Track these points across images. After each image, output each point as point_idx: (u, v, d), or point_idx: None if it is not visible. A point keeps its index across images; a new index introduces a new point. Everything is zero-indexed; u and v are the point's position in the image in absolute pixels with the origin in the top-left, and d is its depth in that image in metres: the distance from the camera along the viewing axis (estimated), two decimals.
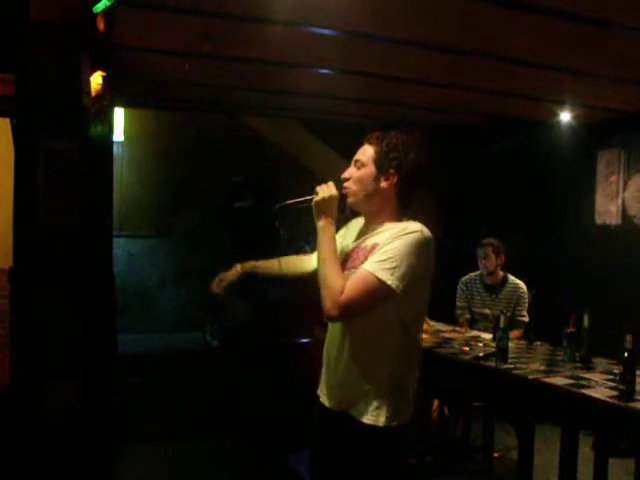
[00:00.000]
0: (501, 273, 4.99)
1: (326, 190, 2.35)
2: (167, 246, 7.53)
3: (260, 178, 6.80)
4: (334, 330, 2.44)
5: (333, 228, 2.35)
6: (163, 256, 7.52)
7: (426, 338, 4.45)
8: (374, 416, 2.30)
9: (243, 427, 5.19)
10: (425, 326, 4.74)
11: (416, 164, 2.38)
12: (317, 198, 2.34)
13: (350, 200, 2.41)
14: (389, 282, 2.19)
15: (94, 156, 3.92)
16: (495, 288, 4.98)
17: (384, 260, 2.22)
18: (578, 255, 5.99)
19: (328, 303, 2.23)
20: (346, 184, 2.41)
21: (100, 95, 4.03)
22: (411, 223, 2.33)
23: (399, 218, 2.39)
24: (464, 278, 5.16)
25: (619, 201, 5.77)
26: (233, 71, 4.73)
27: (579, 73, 4.45)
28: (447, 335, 4.63)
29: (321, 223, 2.33)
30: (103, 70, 3.96)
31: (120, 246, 6.89)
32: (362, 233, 2.47)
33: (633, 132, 5.64)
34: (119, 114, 6.72)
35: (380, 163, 2.37)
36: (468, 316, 5.06)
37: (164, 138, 7.32)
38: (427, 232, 2.30)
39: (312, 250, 2.60)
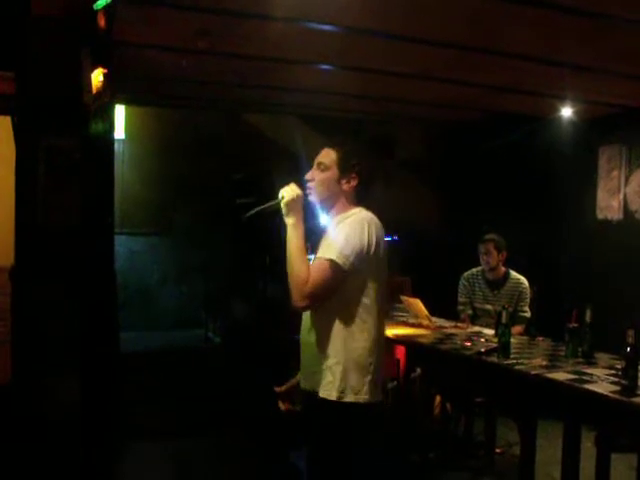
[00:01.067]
0: (503, 269, 4.99)
1: (291, 191, 2.55)
2: (168, 243, 7.53)
3: (261, 175, 6.77)
4: (304, 315, 2.66)
5: (302, 225, 2.55)
6: (164, 253, 7.52)
7: (428, 334, 4.46)
8: (327, 390, 2.52)
9: (244, 424, 5.18)
10: (427, 322, 4.75)
11: (372, 169, 2.68)
12: (286, 199, 2.54)
13: (313, 199, 2.63)
14: (338, 260, 2.44)
15: (95, 153, 3.92)
16: (497, 284, 4.98)
17: (330, 244, 2.49)
18: (580, 250, 5.99)
19: (295, 294, 2.46)
20: (310, 184, 2.62)
21: (101, 92, 4.02)
22: (353, 210, 2.60)
23: (351, 210, 2.63)
24: (466, 274, 5.16)
25: (621, 196, 5.76)
26: (232, 67, 4.73)
27: (580, 68, 4.44)
28: (449, 331, 4.62)
29: (291, 221, 2.54)
30: (104, 67, 3.96)
31: (121, 243, 6.88)
32: (327, 225, 2.70)
33: (634, 127, 5.63)
34: (120, 111, 6.71)
35: (343, 167, 2.61)
36: (470, 312, 5.06)
37: (165, 135, 7.31)
38: (365, 213, 2.58)
39: (312, 248, 2.71)
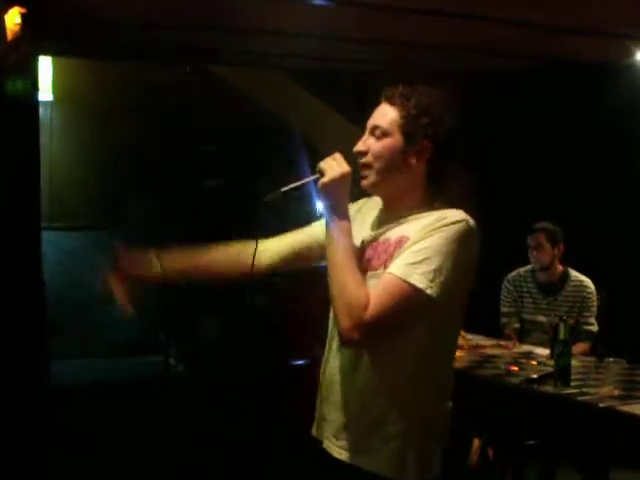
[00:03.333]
0: (560, 267, 4.99)
1: (335, 167, 2.25)
2: (113, 241, 7.51)
3: (236, 148, 6.78)
4: (340, 350, 2.36)
5: (348, 219, 2.28)
6: (108, 254, 7.50)
7: (461, 356, 4.46)
8: (400, 468, 2.23)
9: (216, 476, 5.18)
10: (460, 340, 4.74)
11: (452, 131, 2.32)
12: (324, 179, 2.24)
13: (367, 181, 2.33)
14: (429, 291, 2.12)
15: (13, 120, 3.90)
16: (552, 287, 4.99)
17: (420, 262, 2.14)
18: None
19: (347, 322, 2.16)
20: (364, 160, 2.31)
21: (19, 39, 4.00)
22: (450, 210, 2.26)
23: (431, 203, 2.32)
24: (511, 275, 5.16)
25: None
26: (197, 4, 4.70)
27: None
28: (489, 352, 4.64)
29: (332, 211, 2.26)
30: (22, 5, 3.94)
31: (51, 241, 6.85)
32: (380, 222, 2.40)
33: None
34: (45, 65, 6.69)
35: (409, 131, 2.27)
36: (517, 325, 5.07)
37: (107, 96, 7.29)
38: (472, 222, 2.24)
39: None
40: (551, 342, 4.26)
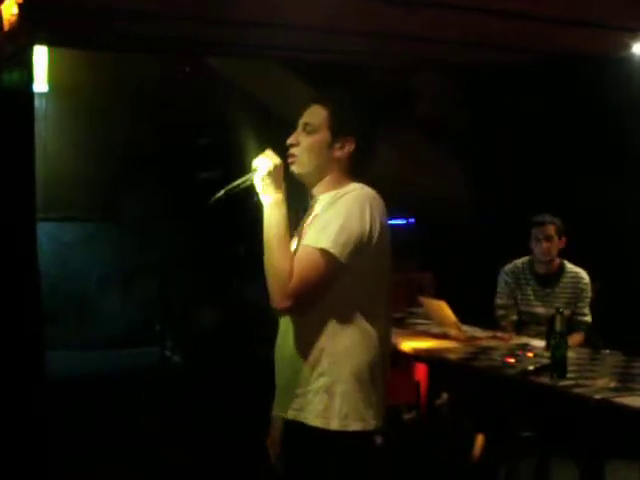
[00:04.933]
0: (557, 260, 5.00)
1: (267, 161, 2.56)
2: (111, 233, 7.51)
3: (232, 140, 6.76)
4: (280, 323, 2.69)
5: (284, 204, 2.57)
6: (106, 246, 7.50)
7: (457, 348, 4.49)
8: (324, 417, 2.54)
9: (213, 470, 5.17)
10: (455, 331, 4.76)
11: (373, 128, 2.74)
12: (259, 173, 2.56)
13: (296, 170, 2.67)
14: (332, 250, 2.46)
15: (8, 111, 3.90)
16: (550, 279, 5.02)
17: (322, 229, 2.50)
18: None
19: (276, 293, 2.48)
20: (293, 151, 2.66)
21: (15, 30, 4.00)
22: (348, 185, 2.64)
23: (345, 185, 2.67)
24: (508, 267, 5.18)
25: None
26: None
27: None
28: (485, 343, 4.65)
29: (269, 199, 2.56)
30: None
31: (47, 233, 6.82)
32: (309, 208, 2.74)
33: None
34: (41, 56, 6.65)
35: (335, 128, 2.66)
36: (515, 317, 5.07)
37: (103, 88, 7.26)
38: (367, 190, 2.62)
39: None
40: (547, 334, 4.27)
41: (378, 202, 2.60)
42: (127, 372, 6.69)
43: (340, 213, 2.51)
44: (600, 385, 3.51)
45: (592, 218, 6.00)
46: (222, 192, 2.59)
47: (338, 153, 2.66)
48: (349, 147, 2.66)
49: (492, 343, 4.64)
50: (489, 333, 4.88)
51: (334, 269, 2.47)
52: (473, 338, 4.75)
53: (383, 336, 2.64)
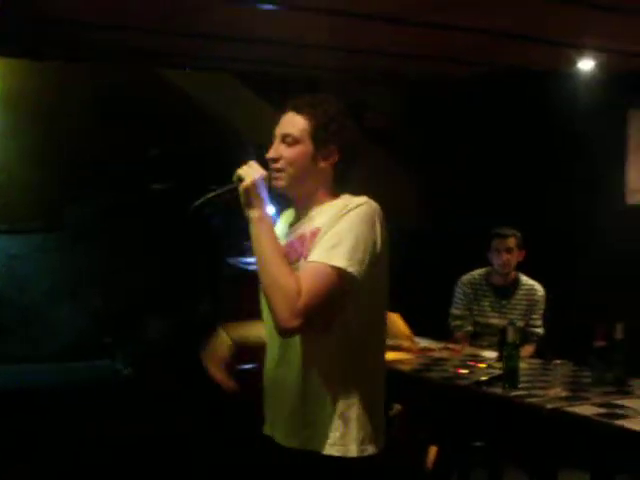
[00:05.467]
0: (513, 273, 5.07)
1: (252, 172, 2.44)
2: (59, 244, 7.40)
3: (186, 150, 6.72)
4: (275, 345, 2.52)
5: (269, 217, 2.44)
6: (54, 257, 7.39)
7: (409, 359, 4.50)
8: (341, 444, 2.40)
9: None
10: (407, 343, 4.76)
11: (356, 137, 2.59)
12: (245, 184, 2.42)
13: (280, 184, 2.51)
14: (349, 269, 2.31)
15: None
16: (506, 291, 5.08)
17: (336, 245, 2.33)
18: (604, 246, 6.06)
19: (284, 312, 2.29)
20: (276, 165, 2.49)
21: None
22: (353, 197, 2.48)
23: (336, 197, 2.54)
24: (465, 278, 5.22)
25: None
26: (147, 7, 4.66)
27: (605, 7, 4.49)
28: (437, 354, 4.67)
29: (255, 213, 2.40)
30: None
31: None
32: (293, 221, 2.61)
33: None
34: None
35: (319, 138, 2.49)
36: (470, 328, 5.10)
37: (53, 97, 7.17)
38: (374, 203, 2.45)
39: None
40: (499, 345, 4.31)
41: (383, 217, 2.45)
42: (77, 385, 6.60)
43: (352, 228, 2.35)
44: (552, 395, 3.55)
45: (543, 227, 6.09)
46: (204, 199, 2.49)
47: (322, 164, 2.50)
48: (333, 158, 2.51)
49: (444, 354, 4.66)
50: (441, 345, 4.91)
51: (349, 286, 2.34)
52: (426, 350, 4.77)
53: (384, 354, 2.59)
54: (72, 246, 7.42)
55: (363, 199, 2.44)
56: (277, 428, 2.55)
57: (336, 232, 2.35)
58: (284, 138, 2.50)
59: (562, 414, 3.31)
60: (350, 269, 2.30)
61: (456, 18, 4.84)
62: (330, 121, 2.50)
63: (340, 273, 2.30)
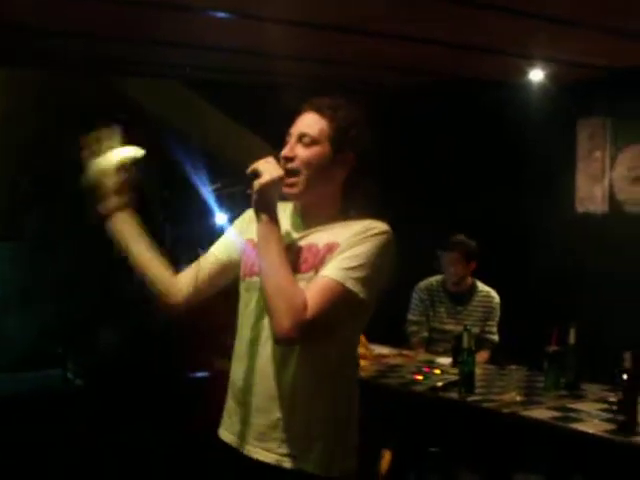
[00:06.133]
0: (469, 279, 5.10)
1: (271, 169, 2.27)
2: (11, 252, 7.32)
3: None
4: (262, 353, 2.38)
5: (278, 220, 2.30)
6: (6, 266, 7.30)
7: (365, 366, 4.50)
8: (328, 466, 2.32)
9: None
10: (362, 350, 4.78)
11: (372, 145, 2.44)
12: (262, 180, 2.24)
13: (294, 189, 2.36)
14: (362, 295, 2.23)
15: None
16: (462, 298, 5.13)
17: (354, 267, 2.24)
18: (556, 254, 6.16)
19: (287, 321, 2.18)
20: (292, 165, 2.34)
21: None
22: (376, 221, 2.37)
23: (346, 211, 2.43)
24: (422, 284, 5.26)
25: (605, 183, 5.96)
26: (96, 13, 4.63)
27: (553, 20, 4.57)
28: (392, 361, 4.70)
29: (265, 215, 2.27)
30: None
31: None
32: (298, 227, 2.46)
33: (621, 95, 5.83)
34: None
35: (338, 142, 2.36)
36: (426, 334, 5.13)
37: (5, 105, 7.10)
38: (392, 232, 2.36)
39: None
40: (454, 351, 4.36)
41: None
42: (28, 395, 6.52)
43: (373, 256, 2.26)
44: (507, 399, 3.60)
45: (496, 235, 6.16)
46: (217, 187, 2.34)
47: (338, 171, 2.36)
48: (349, 165, 2.37)
49: (399, 361, 4.70)
50: (395, 351, 4.94)
51: (356, 312, 2.29)
52: (380, 356, 4.80)
53: (357, 372, 2.56)
54: (25, 255, 7.34)
55: (386, 227, 2.36)
56: (248, 441, 2.40)
57: (356, 255, 2.25)
58: (301, 138, 2.36)
59: (518, 418, 3.35)
60: (362, 295, 2.23)
61: (408, 29, 4.87)
62: (351, 126, 2.38)
63: (352, 296, 2.22)
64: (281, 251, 2.26)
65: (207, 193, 2.38)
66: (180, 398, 5.80)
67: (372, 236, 2.29)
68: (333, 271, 2.24)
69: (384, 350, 4.95)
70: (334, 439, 2.34)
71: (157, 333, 6.27)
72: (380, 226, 2.34)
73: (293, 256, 2.35)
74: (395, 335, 5.21)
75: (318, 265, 2.30)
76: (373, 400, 4.20)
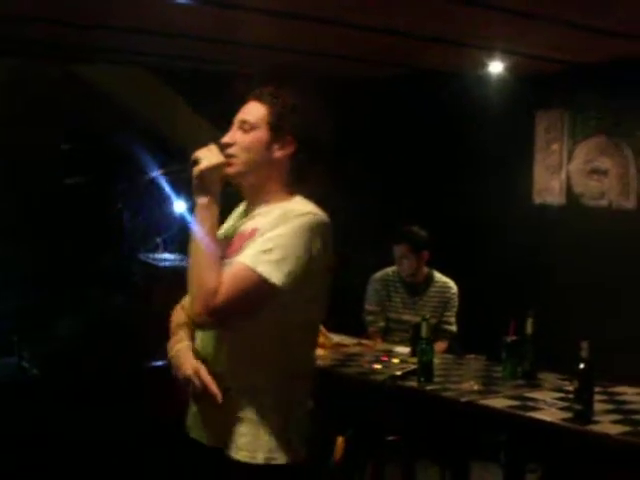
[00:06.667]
0: (425, 270, 5.12)
1: (211, 156, 2.37)
2: None
3: (98, 145, 6.62)
4: (205, 342, 2.45)
5: (216, 207, 2.37)
6: None
7: (324, 355, 4.49)
8: (249, 451, 2.35)
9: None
10: (321, 339, 4.78)
11: (318, 131, 2.51)
12: (201, 166, 2.35)
13: (232, 170, 2.44)
14: (273, 279, 2.26)
15: None
16: (418, 288, 5.14)
17: (266, 250, 2.28)
18: (514, 244, 6.20)
19: (199, 305, 2.29)
20: (230, 150, 2.43)
21: None
22: (300, 203, 2.43)
23: (288, 196, 2.47)
24: (378, 275, 5.26)
25: (562, 175, 6.03)
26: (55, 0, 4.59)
27: (512, 12, 4.60)
28: (351, 350, 4.69)
29: (202, 200, 2.35)
30: None
31: None
32: (243, 214, 2.54)
33: (579, 88, 5.89)
34: None
35: (276, 127, 2.44)
36: (382, 324, 5.15)
37: None
38: (321, 215, 2.40)
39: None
40: (412, 340, 4.37)
41: (329, 230, 2.40)
42: None
43: (289, 238, 2.29)
44: (465, 388, 3.62)
45: (455, 226, 6.21)
46: (156, 173, 2.45)
47: (278, 154, 2.44)
48: (289, 149, 2.44)
49: (358, 350, 4.69)
50: (355, 340, 4.94)
51: (268, 295, 2.29)
52: (339, 345, 4.79)
53: (312, 362, 2.56)
54: None
55: (307, 209, 2.39)
56: (194, 422, 2.51)
57: (270, 238, 2.30)
58: (241, 124, 2.46)
59: (476, 407, 3.37)
60: (274, 279, 2.25)
61: (369, 19, 4.87)
62: (290, 112, 2.45)
63: (263, 280, 2.25)
64: (209, 237, 2.34)
65: (153, 178, 2.46)
66: (138, 387, 5.77)
67: (290, 219, 2.33)
68: (246, 256, 2.29)
69: (343, 339, 4.94)
70: (262, 424, 2.36)
71: (115, 322, 6.24)
72: (301, 208, 2.39)
73: (227, 241, 2.44)
74: (354, 325, 5.21)
75: (239, 250, 2.35)
76: (331, 389, 4.22)
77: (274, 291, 2.27)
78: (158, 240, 6.24)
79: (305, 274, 2.31)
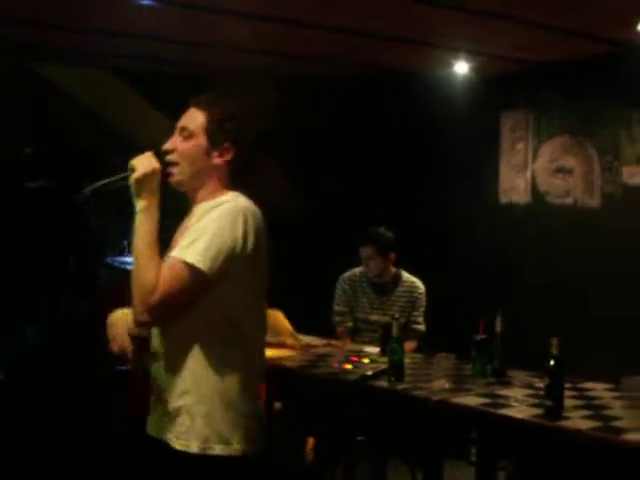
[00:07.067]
0: (392, 270, 5.13)
1: (145, 164, 2.46)
2: None
3: (61, 148, 6.55)
4: (155, 339, 2.58)
5: (156, 210, 2.46)
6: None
7: (294, 356, 4.49)
8: (184, 439, 2.44)
9: None
10: (291, 340, 4.78)
11: (254, 137, 2.66)
12: (135, 175, 2.44)
13: (173, 180, 2.57)
14: (200, 265, 2.35)
15: None
16: (386, 288, 5.14)
17: (192, 241, 2.40)
18: (481, 243, 6.24)
19: (137, 305, 2.38)
20: (171, 157, 2.54)
21: None
22: (228, 196, 2.55)
23: (223, 194, 2.58)
24: (346, 275, 5.27)
25: (528, 174, 6.07)
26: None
27: (476, 12, 4.62)
28: (321, 351, 4.67)
29: (142, 204, 2.45)
30: None
31: None
32: (189, 215, 2.65)
33: (543, 87, 5.94)
34: None
35: (213, 134, 2.56)
36: (350, 324, 5.16)
37: None
38: (242, 200, 2.52)
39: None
40: (381, 340, 4.37)
41: (253, 213, 2.50)
42: None
43: (211, 225, 2.41)
44: (436, 387, 3.62)
45: (421, 226, 6.23)
46: (95, 185, 2.51)
47: (216, 161, 2.56)
48: (228, 155, 2.56)
49: (328, 350, 4.68)
50: (324, 341, 4.93)
51: (199, 283, 2.37)
52: (309, 346, 4.78)
53: (257, 352, 2.60)
54: None
55: (229, 197, 2.52)
56: (150, 419, 2.64)
57: (195, 229, 2.42)
58: (181, 131, 2.57)
59: (447, 405, 3.37)
60: (200, 265, 2.35)
61: (334, 19, 4.88)
62: (226, 119, 2.56)
63: (191, 269, 2.35)
64: (148, 238, 2.42)
65: (95, 190, 2.52)
66: (104, 391, 5.73)
67: (213, 209, 2.46)
68: (176, 250, 2.41)
69: (312, 340, 4.94)
70: (196, 416, 2.43)
71: (81, 326, 6.18)
72: (223, 198, 2.51)
73: (173, 244, 2.53)
74: (323, 326, 5.20)
75: (175, 248, 2.46)
76: (301, 390, 4.22)
77: (204, 277, 2.36)
78: (124, 243, 6.20)
79: (235, 258, 2.41)
